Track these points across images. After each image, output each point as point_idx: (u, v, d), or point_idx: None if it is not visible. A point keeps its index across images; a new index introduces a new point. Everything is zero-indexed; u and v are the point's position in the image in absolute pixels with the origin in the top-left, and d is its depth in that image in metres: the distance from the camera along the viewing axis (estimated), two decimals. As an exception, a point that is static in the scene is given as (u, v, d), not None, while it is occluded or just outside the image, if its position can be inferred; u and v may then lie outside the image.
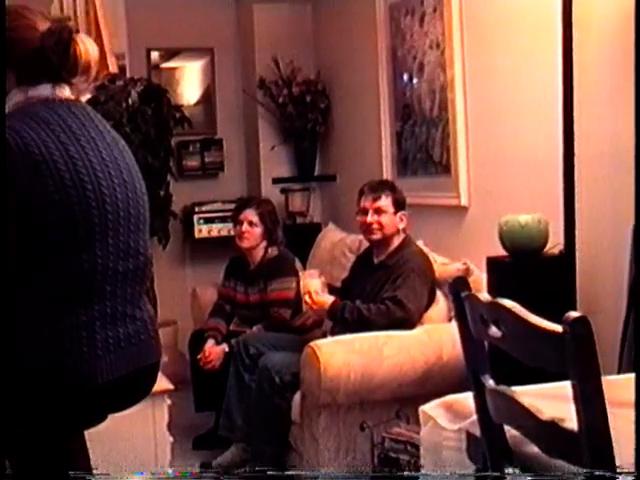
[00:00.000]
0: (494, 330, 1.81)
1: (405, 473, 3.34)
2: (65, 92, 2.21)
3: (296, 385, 4.04)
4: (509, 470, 1.92)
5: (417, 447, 3.24)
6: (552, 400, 1.86)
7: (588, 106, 3.58)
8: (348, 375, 3.80)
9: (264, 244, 4.92)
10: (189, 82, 6.71)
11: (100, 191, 2.13)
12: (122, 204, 2.19)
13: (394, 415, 3.76)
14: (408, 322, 4.06)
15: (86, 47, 2.20)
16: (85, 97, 2.39)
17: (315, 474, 3.90)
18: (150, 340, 2.29)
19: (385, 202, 4.32)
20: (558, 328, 1.56)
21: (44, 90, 2.17)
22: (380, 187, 4.42)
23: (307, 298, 4.26)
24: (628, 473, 1.63)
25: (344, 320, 4.12)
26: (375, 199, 4.33)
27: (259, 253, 4.93)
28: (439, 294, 4.23)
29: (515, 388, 1.89)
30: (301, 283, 4.76)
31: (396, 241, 4.33)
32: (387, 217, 4.30)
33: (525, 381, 2.21)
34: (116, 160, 2.22)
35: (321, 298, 4.23)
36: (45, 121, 2.09)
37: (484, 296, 1.88)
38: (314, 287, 4.39)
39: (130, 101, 5.87)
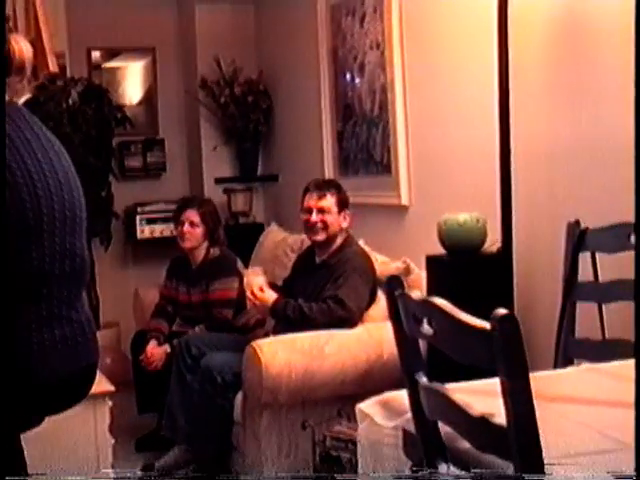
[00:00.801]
0: (426, 328, 1.83)
1: (344, 475, 3.36)
2: (-1, 94, 2.19)
3: (238, 385, 4.05)
4: (442, 466, 1.94)
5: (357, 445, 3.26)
6: (483, 396, 1.88)
7: (525, 106, 3.63)
8: (290, 374, 3.81)
9: (206, 244, 4.91)
10: (131, 82, 6.69)
11: (35, 193, 2.11)
12: (57, 206, 2.18)
13: (335, 414, 3.79)
14: (349, 321, 4.08)
15: (20, 46, 2.19)
16: (24, 97, 2.37)
17: (257, 478, 3.91)
18: (87, 342, 2.28)
19: (330, 201, 4.33)
20: (487, 325, 1.58)
21: (-23, 92, 2.16)
22: (325, 186, 4.43)
23: (250, 294, 4.26)
24: (627, 477, 1.66)
25: (286, 317, 4.14)
26: (320, 197, 4.33)
27: (201, 253, 4.93)
28: (380, 293, 4.26)
29: (448, 385, 1.92)
30: (244, 280, 4.77)
31: (338, 240, 4.35)
32: (331, 216, 4.31)
33: (463, 378, 2.24)
34: (52, 162, 2.20)
35: (264, 295, 4.23)
36: (-22, 124, 2.08)
37: (416, 294, 1.91)
38: (257, 284, 4.40)
39: (71, 101, 5.85)
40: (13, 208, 2.05)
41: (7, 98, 2.21)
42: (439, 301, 1.75)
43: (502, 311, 1.55)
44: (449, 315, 1.69)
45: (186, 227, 4.87)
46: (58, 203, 2.17)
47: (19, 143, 2.12)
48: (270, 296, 4.23)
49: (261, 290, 4.24)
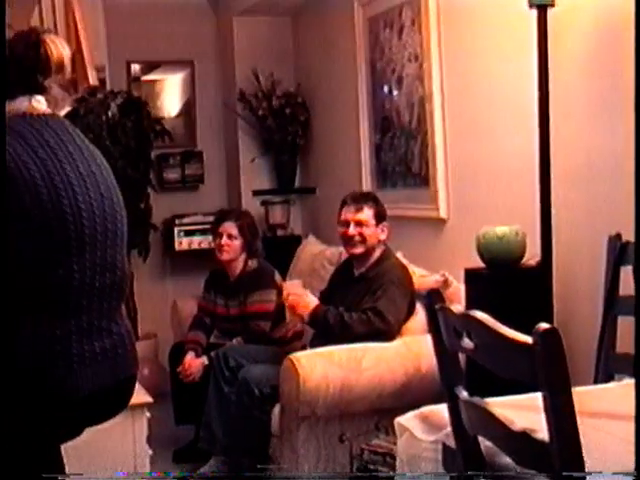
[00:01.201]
0: (467, 342, 1.82)
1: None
2: (42, 105, 2.21)
3: (276, 397, 4.05)
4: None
5: (395, 459, 3.25)
6: (525, 411, 1.87)
7: (564, 118, 3.61)
8: (327, 387, 3.81)
9: (244, 256, 4.92)
10: (169, 95, 6.73)
11: (77, 206, 2.13)
12: (99, 219, 2.20)
13: (373, 427, 3.77)
14: (387, 333, 4.07)
15: (56, 45, 2.21)
16: (65, 110, 2.39)
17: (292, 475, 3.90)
18: (127, 354, 2.30)
19: (367, 214, 4.32)
20: (528, 339, 1.57)
21: (21, 104, 2.18)
22: (362, 199, 4.42)
23: (292, 298, 4.25)
24: (628, 474, 1.65)
25: (326, 323, 4.10)
26: (357, 210, 4.33)
27: (239, 266, 4.93)
28: (418, 306, 4.25)
29: (488, 399, 1.91)
30: (284, 293, 4.77)
31: (376, 253, 4.34)
32: (369, 229, 4.30)
33: (502, 392, 2.23)
34: (94, 175, 2.22)
35: (306, 299, 4.23)
36: (22, 136, 2.10)
37: (457, 308, 1.90)
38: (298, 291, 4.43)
39: (110, 114, 5.88)
40: (55, 221, 2.07)
41: (49, 110, 2.23)
42: (480, 315, 1.74)
43: (544, 325, 1.54)
44: (490, 329, 1.68)
45: (224, 240, 4.88)
46: (100, 216, 2.19)
47: (62, 156, 2.14)
48: (312, 301, 4.23)
49: (305, 295, 4.25)
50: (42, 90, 2.22)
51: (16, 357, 2.07)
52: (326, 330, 4.13)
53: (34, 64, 2.17)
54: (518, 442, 1.69)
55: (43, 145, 2.11)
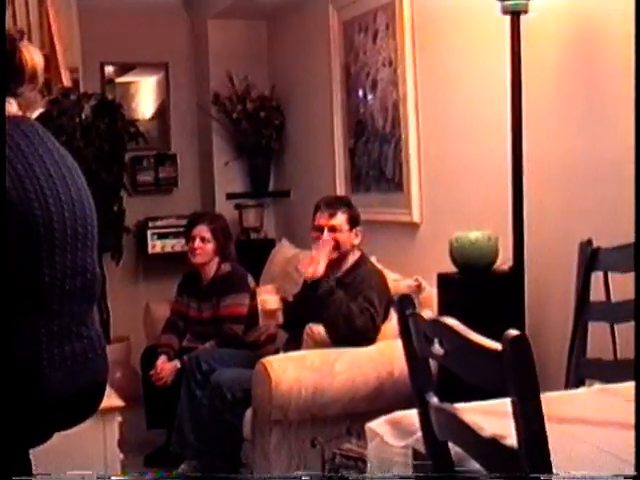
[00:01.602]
0: (437, 348, 1.82)
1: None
2: (13, 108, 2.19)
3: (248, 401, 4.04)
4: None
5: (367, 463, 3.25)
6: (494, 417, 1.87)
7: (537, 123, 3.63)
8: (299, 391, 3.80)
9: (216, 260, 4.91)
10: (143, 97, 6.71)
11: (47, 209, 2.11)
12: (70, 222, 2.18)
13: (345, 431, 3.76)
14: (366, 336, 4.05)
15: (31, 55, 2.19)
16: (37, 111, 2.38)
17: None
18: (97, 358, 2.28)
19: (340, 219, 4.31)
20: (498, 346, 1.57)
21: (-10, 107, 2.16)
22: (336, 204, 4.41)
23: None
24: (628, 476, 1.65)
25: (329, 295, 4.09)
26: (331, 216, 4.32)
27: (212, 269, 4.92)
28: (391, 311, 4.24)
29: (458, 405, 1.91)
30: (258, 299, 4.76)
31: (351, 258, 4.34)
32: (343, 234, 4.29)
33: (474, 398, 2.23)
34: (64, 178, 2.20)
35: (317, 267, 4.19)
36: (-9, 138, 2.08)
37: (427, 314, 1.90)
38: (271, 305, 4.40)
39: (84, 115, 5.86)
40: (25, 224, 2.05)
41: (20, 113, 2.21)
42: (450, 321, 1.74)
43: (513, 332, 1.54)
44: (460, 335, 1.68)
45: (197, 243, 4.87)
46: (70, 219, 2.17)
47: (32, 159, 2.12)
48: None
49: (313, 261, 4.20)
50: (13, 94, 2.20)
51: (3, 352, 2.05)
52: (320, 306, 4.09)
53: (8, 71, 2.16)
54: (487, 448, 1.70)
55: (13, 148, 2.09)
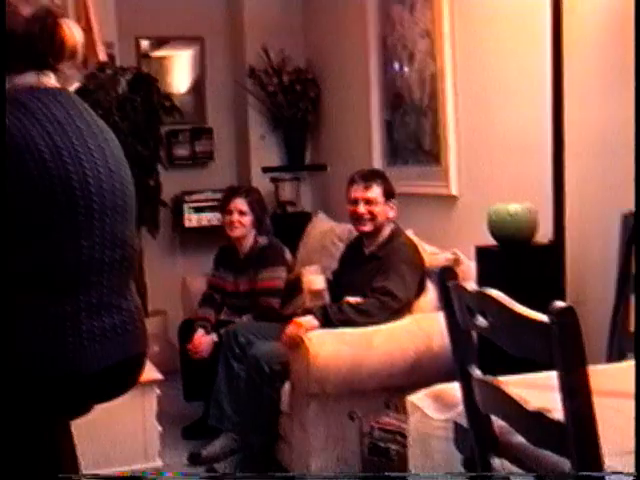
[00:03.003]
0: (480, 320, 1.80)
1: (393, 474, 3.33)
2: (50, 80, 2.19)
3: (285, 374, 4.04)
4: (495, 460, 1.91)
5: (406, 437, 3.24)
6: (539, 390, 1.85)
7: (578, 94, 3.57)
8: (337, 365, 3.79)
9: (253, 233, 4.91)
10: (179, 71, 6.69)
11: (86, 181, 2.10)
12: (108, 194, 2.17)
13: (383, 405, 3.76)
14: (400, 312, 4.05)
15: (72, 32, 2.18)
16: (74, 86, 2.37)
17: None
18: (136, 330, 2.28)
19: (376, 192, 4.30)
20: (544, 318, 1.55)
21: (29, 78, 2.15)
22: (371, 176, 4.40)
23: (290, 333, 4.00)
24: (628, 474, 1.63)
25: (342, 319, 4.01)
26: (366, 188, 4.31)
27: (249, 242, 4.92)
28: (429, 284, 4.22)
29: (502, 378, 1.89)
30: (304, 280, 4.74)
31: (386, 231, 4.32)
32: (378, 207, 4.28)
33: (514, 371, 2.21)
34: (102, 150, 2.20)
35: (303, 322, 3.99)
36: (30, 110, 2.07)
37: (471, 286, 1.88)
38: (317, 285, 4.37)
39: (119, 90, 5.85)
40: (64, 196, 2.05)
41: (57, 85, 2.20)
42: (495, 293, 1.71)
43: (561, 304, 1.52)
44: (506, 307, 1.66)
45: (235, 216, 4.86)
46: (108, 191, 2.17)
47: (70, 131, 2.11)
48: (308, 320, 4.00)
49: (300, 327, 3.96)
50: (52, 69, 2.19)
51: (24, 334, 2.05)
52: (345, 324, 4.04)
53: (48, 47, 2.15)
54: (532, 422, 1.68)
55: (51, 120, 2.08)
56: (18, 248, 2.03)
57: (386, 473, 3.35)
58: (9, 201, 1.99)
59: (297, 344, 3.90)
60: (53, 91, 2.16)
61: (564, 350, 1.52)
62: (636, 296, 2.35)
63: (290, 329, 3.99)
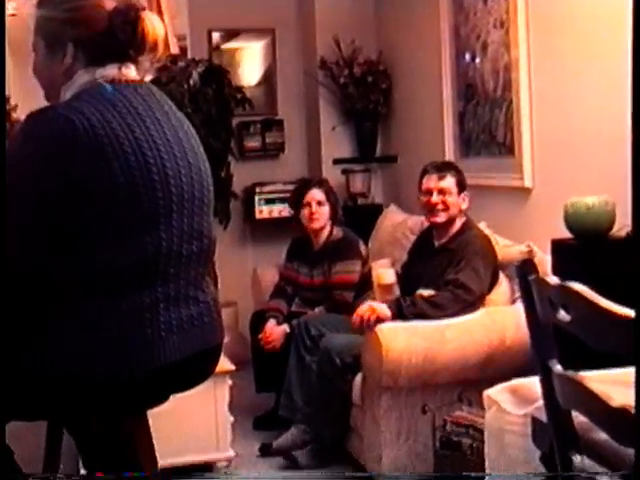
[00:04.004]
0: (563, 314, 1.77)
1: (472, 474, 3.30)
2: (131, 72, 2.20)
3: (357, 367, 4.03)
4: (576, 457, 1.88)
5: (479, 431, 3.22)
6: (623, 386, 1.81)
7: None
8: (410, 358, 3.77)
9: (329, 224, 4.90)
10: (250, 63, 6.71)
11: (165, 173, 2.12)
12: (187, 186, 2.18)
13: (456, 398, 3.74)
14: (473, 304, 4.02)
15: (153, 25, 2.20)
16: (147, 78, 2.38)
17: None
18: (213, 322, 2.29)
19: (449, 182, 4.28)
20: (630, 313, 1.52)
21: (111, 70, 2.17)
22: (444, 167, 4.40)
23: (362, 313, 4.01)
24: (627, 474, 1.59)
25: (414, 312, 4.00)
26: (440, 178, 4.29)
27: (325, 234, 4.91)
28: (502, 276, 4.19)
29: (584, 373, 1.85)
30: (372, 272, 4.72)
31: (458, 223, 4.29)
32: (452, 197, 4.27)
33: (595, 366, 2.17)
34: (181, 142, 2.21)
35: (376, 308, 4.02)
36: (111, 102, 2.09)
37: (552, 279, 1.84)
38: (387, 279, 4.36)
39: (191, 82, 5.89)
40: (144, 189, 2.06)
41: (137, 78, 2.22)
42: (578, 287, 1.68)
43: (647, 298, 1.49)
44: (589, 301, 1.63)
45: (314, 207, 4.86)
46: (187, 183, 2.18)
47: (150, 123, 2.12)
48: (381, 310, 4.00)
49: (373, 311, 3.99)
50: (133, 62, 2.21)
51: (103, 325, 2.07)
52: (418, 317, 4.01)
53: (129, 40, 2.17)
54: (617, 418, 1.64)
55: (131, 111, 2.10)
56: (97, 242, 2.04)
57: (463, 473, 3.33)
58: (90, 195, 2.01)
59: (367, 327, 3.92)
60: (134, 84, 2.18)
61: (651, 346, 1.49)
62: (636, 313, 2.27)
63: (363, 309, 4.01)
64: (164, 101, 2.24)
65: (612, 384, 1.86)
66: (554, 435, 1.98)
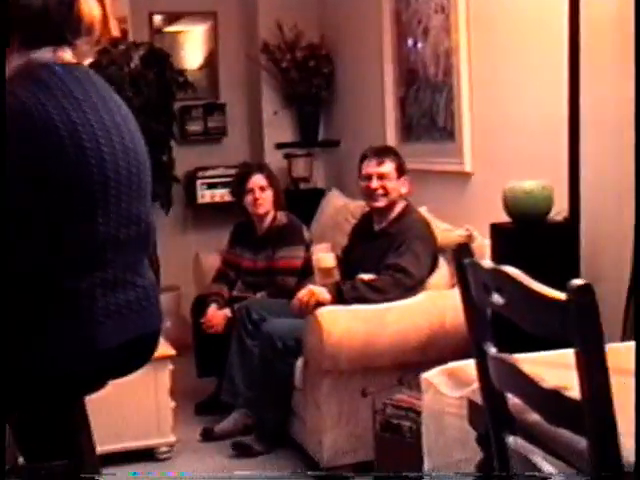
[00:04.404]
0: (497, 297, 1.79)
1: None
2: (67, 55, 2.18)
3: (299, 350, 4.04)
4: (510, 438, 1.90)
5: (419, 413, 3.24)
6: (555, 368, 1.85)
7: (594, 70, 3.54)
8: (350, 342, 3.79)
9: (273, 209, 4.89)
10: (192, 46, 6.66)
11: (101, 157, 2.10)
12: (124, 171, 2.17)
13: (396, 382, 3.76)
14: (414, 288, 4.04)
15: (89, 7, 2.18)
16: (87, 61, 2.36)
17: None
18: (151, 307, 2.28)
19: (389, 167, 4.29)
20: (562, 296, 1.54)
21: (46, 53, 2.14)
22: (384, 152, 4.40)
23: (302, 297, 4.07)
24: (627, 474, 1.63)
25: (355, 297, 4.01)
26: (379, 164, 4.30)
27: (269, 219, 4.90)
28: (442, 261, 4.22)
29: (518, 356, 1.88)
30: (313, 258, 4.73)
31: (398, 208, 4.31)
32: (391, 182, 4.27)
33: (529, 349, 2.20)
34: (118, 126, 2.19)
35: (316, 292, 4.06)
36: (46, 85, 2.06)
37: (487, 263, 1.86)
38: (327, 263, 4.37)
39: (132, 65, 5.83)
40: (80, 173, 2.04)
41: (74, 60, 2.20)
42: (511, 270, 1.70)
43: (578, 281, 1.51)
44: (522, 285, 1.65)
45: (257, 193, 4.85)
46: (124, 168, 2.16)
47: (86, 106, 2.10)
48: (321, 293, 4.04)
49: (312, 295, 4.03)
50: (69, 45, 2.19)
51: (40, 313, 2.06)
52: (359, 301, 4.02)
53: (65, 22, 2.14)
54: (549, 400, 1.67)
55: (67, 95, 2.08)
56: (34, 228, 2.03)
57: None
58: (26, 179, 1.99)
59: (307, 311, 3.95)
60: (69, 66, 2.15)
61: (582, 328, 1.51)
62: (635, 298, 2.32)
63: (302, 294, 4.03)
64: (101, 85, 2.22)
65: (545, 366, 1.89)
66: (489, 417, 2.00)
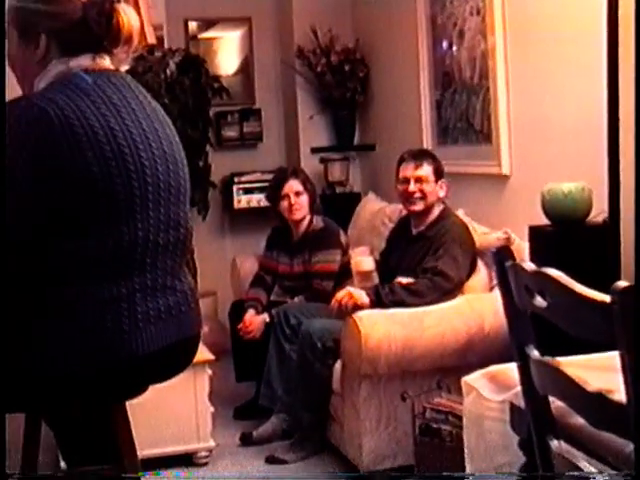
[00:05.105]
0: (539, 300, 1.77)
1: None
2: (105, 62, 2.19)
3: (338, 352, 4.03)
4: (554, 442, 1.89)
5: (459, 417, 3.23)
6: (598, 371, 1.83)
7: (633, 70, 3.50)
8: (389, 346, 3.78)
9: (309, 213, 4.89)
10: (227, 52, 6.68)
11: (140, 163, 2.11)
12: (162, 176, 2.17)
13: (435, 385, 3.75)
14: (452, 292, 4.03)
15: (128, 17, 2.18)
16: (123, 68, 2.37)
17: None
18: (190, 312, 2.29)
19: (427, 170, 4.28)
20: (606, 298, 1.52)
21: (84, 60, 2.16)
22: (421, 155, 4.40)
23: (341, 298, 4.05)
24: (627, 474, 1.61)
25: (393, 300, 4.00)
26: (417, 167, 4.29)
27: (305, 223, 4.90)
28: (480, 263, 4.20)
29: (560, 359, 1.86)
30: (351, 260, 4.73)
31: (436, 211, 4.30)
32: (429, 186, 4.26)
33: (571, 352, 2.18)
34: (156, 131, 2.20)
35: (354, 293, 4.04)
36: (85, 92, 2.07)
37: (529, 265, 1.85)
38: (366, 266, 4.36)
39: (168, 72, 5.86)
40: (119, 179, 2.05)
41: (112, 67, 2.21)
42: (554, 273, 1.69)
43: (623, 283, 1.49)
44: (566, 287, 1.63)
45: (293, 198, 4.84)
46: (163, 173, 2.17)
47: (125, 113, 2.11)
48: (360, 297, 4.01)
49: (351, 297, 4.01)
50: (108, 53, 2.20)
51: (79, 316, 2.07)
52: (397, 305, 4.01)
53: (104, 32, 2.15)
54: (593, 403, 1.65)
55: (106, 101, 2.09)
56: (74, 232, 2.04)
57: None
58: (65, 186, 2.00)
59: (345, 312, 3.94)
60: (107, 73, 2.16)
61: (627, 330, 1.49)
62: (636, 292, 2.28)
63: (341, 295, 4.03)
64: (139, 91, 2.23)
65: (588, 369, 1.87)
66: (532, 420, 1.99)
